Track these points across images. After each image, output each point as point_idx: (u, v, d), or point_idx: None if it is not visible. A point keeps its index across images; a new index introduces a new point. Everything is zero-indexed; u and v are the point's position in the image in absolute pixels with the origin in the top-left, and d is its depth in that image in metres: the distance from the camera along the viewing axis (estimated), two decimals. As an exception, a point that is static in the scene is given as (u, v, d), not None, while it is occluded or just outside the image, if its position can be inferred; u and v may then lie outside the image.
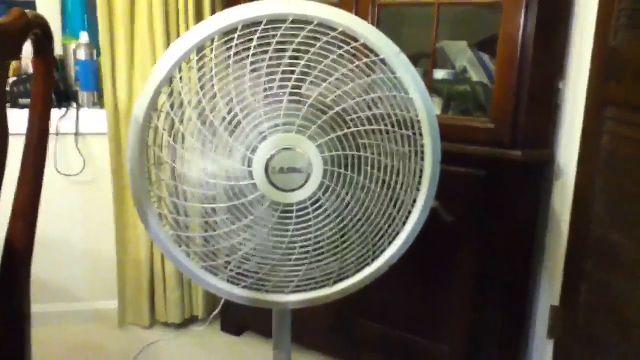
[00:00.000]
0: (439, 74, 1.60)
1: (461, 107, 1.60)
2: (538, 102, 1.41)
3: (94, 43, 1.96)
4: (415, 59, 1.67)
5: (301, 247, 1.02)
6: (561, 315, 1.36)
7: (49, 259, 2.02)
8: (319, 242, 1.02)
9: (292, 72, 0.93)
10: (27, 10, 0.75)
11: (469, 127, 1.47)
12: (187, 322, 2.11)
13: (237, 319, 2.01)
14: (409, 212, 1.04)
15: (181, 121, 0.93)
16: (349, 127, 0.96)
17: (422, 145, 1.00)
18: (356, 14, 1.54)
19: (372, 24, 1.54)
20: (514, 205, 1.45)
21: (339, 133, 0.96)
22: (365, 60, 0.95)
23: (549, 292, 1.55)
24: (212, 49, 0.92)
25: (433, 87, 1.55)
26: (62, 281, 2.09)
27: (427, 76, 1.53)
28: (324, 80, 0.94)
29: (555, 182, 1.51)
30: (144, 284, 2.01)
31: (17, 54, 0.74)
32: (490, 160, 1.43)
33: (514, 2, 1.34)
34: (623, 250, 1.12)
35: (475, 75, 1.59)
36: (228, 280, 1.06)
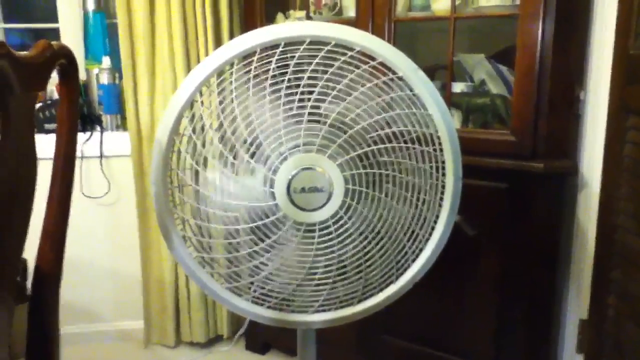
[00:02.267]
0: (458, 87, 1.60)
1: (481, 120, 1.59)
2: (559, 112, 1.40)
3: (116, 67, 2.00)
4: (432, 72, 1.67)
5: (325, 266, 1.02)
6: (590, 329, 1.34)
7: (75, 281, 2.05)
8: (342, 261, 1.02)
9: (311, 92, 0.93)
10: (53, 42, 0.77)
11: (489, 140, 1.46)
12: (212, 341, 2.11)
13: (262, 338, 2.01)
14: (432, 229, 1.04)
15: (203, 144, 0.94)
16: (369, 146, 0.97)
17: (443, 161, 1.00)
18: (372, 31, 1.55)
19: (389, 40, 1.55)
20: (538, 217, 1.43)
21: (360, 152, 0.96)
22: (383, 78, 0.95)
23: (577, 305, 1.52)
24: (231, 73, 0.93)
25: (452, 100, 1.55)
26: (88, 302, 2.12)
27: (445, 90, 1.53)
28: (343, 99, 0.94)
29: (580, 192, 1.49)
30: (169, 304, 2.03)
31: (44, 85, 0.77)
32: (512, 172, 1.41)
33: (530, 13, 1.34)
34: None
35: (494, 87, 1.58)
36: (252, 301, 1.07)
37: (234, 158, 0.94)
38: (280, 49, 0.91)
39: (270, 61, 0.91)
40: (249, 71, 0.91)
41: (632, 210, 1.18)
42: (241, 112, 0.92)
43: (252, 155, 0.95)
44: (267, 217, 0.97)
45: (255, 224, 0.97)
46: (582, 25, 1.44)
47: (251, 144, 0.94)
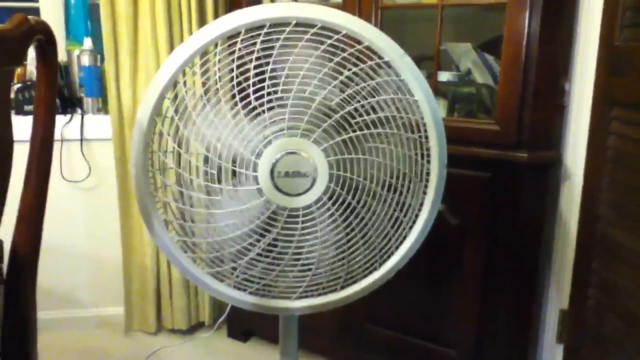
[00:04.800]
0: (444, 76, 1.59)
1: (466, 109, 1.59)
2: (544, 103, 1.40)
3: (97, 49, 1.97)
4: (418, 62, 1.66)
5: (308, 252, 1.01)
6: (570, 319, 1.35)
7: (54, 266, 2.02)
8: (325, 247, 1.01)
9: (296, 75, 0.92)
10: (29, 17, 0.74)
11: (474, 129, 1.46)
12: (194, 328, 2.10)
13: (244, 325, 2.00)
14: (416, 216, 1.03)
15: (186, 126, 0.93)
16: (354, 131, 0.96)
17: (428, 148, 0.99)
18: (359, 16, 1.53)
19: (375, 26, 1.53)
20: (521, 207, 1.44)
21: (344, 136, 0.95)
22: (369, 63, 0.94)
23: (558, 295, 1.53)
24: (215, 54, 0.91)
25: (438, 89, 1.55)
26: (67, 287, 2.09)
27: (431, 79, 1.53)
28: (329, 83, 0.93)
29: (563, 183, 1.50)
30: (150, 290, 2.01)
31: (20, 60, 0.74)
32: (496, 162, 1.42)
33: (517, 2, 1.34)
34: (631, 250, 1.11)
35: (480, 77, 1.58)
36: (234, 287, 1.06)
37: (217, 141, 0.93)
38: (266, 30, 0.90)
39: (255, 42, 0.90)
40: (233, 52, 0.90)
41: (614, 202, 1.18)
42: (224, 94, 0.91)
43: (235, 138, 0.93)
44: (250, 201, 0.95)
45: (237, 208, 0.95)
46: (568, 15, 1.44)
47: (234, 127, 0.93)
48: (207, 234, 0.99)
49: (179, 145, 0.93)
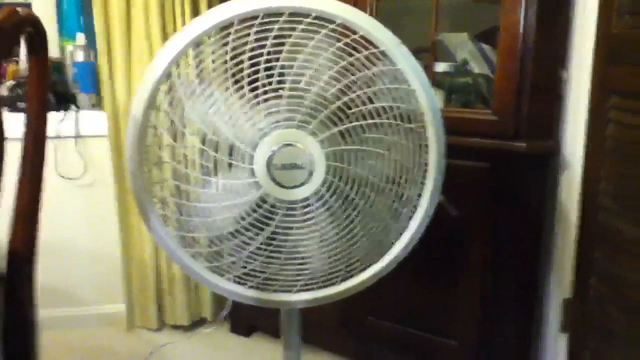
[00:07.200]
0: (440, 66, 1.58)
1: (463, 99, 1.58)
2: (541, 92, 1.39)
3: (91, 44, 1.95)
4: (415, 53, 1.65)
5: (307, 245, 1.00)
6: (573, 308, 1.35)
7: (53, 264, 2.01)
8: (324, 239, 1.00)
9: (291, 66, 0.91)
10: (18, 8, 0.73)
11: (472, 119, 1.45)
12: (196, 324, 2.10)
13: (246, 320, 2.00)
14: (415, 207, 1.03)
15: (180, 118, 0.92)
16: (350, 122, 0.95)
17: (425, 139, 0.99)
18: (355, 6, 1.52)
19: (371, 16, 1.52)
20: (520, 197, 1.43)
21: (341, 127, 0.95)
22: (365, 52, 0.93)
23: (560, 285, 1.53)
24: (209, 45, 0.90)
25: (434, 80, 1.53)
26: (68, 286, 2.08)
27: (428, 69, 1.52)
28: (324, 74, 0.92)
29: (562, 173, 1.50)
30: (151, 286, 2.00)
31: (9, 53, 0.73)
32: (494, 152, 1.41)
33: (514, -8, 1.33)
34: (632, 239, 1.11)
35: (477, 67, 1.57)
36: (234, 281, 1.05)
37: (213, 134, 0.92)
38: (259, 20, 0.89)
39: (249, 33, 0.89)
40: (227, 43, 0.89)
41: (613, 191, 1.18)
42: (219, 86, 0.90)
43: (231, 131, 0.92)
44: (247, 194, 0.95)
45: (234, 201, 0.94)
46: (565, 4, 1.43)
47: (229, 119, 0.92)
48: (205, 229, 0.98)
49: (174, 139, 0.92)
